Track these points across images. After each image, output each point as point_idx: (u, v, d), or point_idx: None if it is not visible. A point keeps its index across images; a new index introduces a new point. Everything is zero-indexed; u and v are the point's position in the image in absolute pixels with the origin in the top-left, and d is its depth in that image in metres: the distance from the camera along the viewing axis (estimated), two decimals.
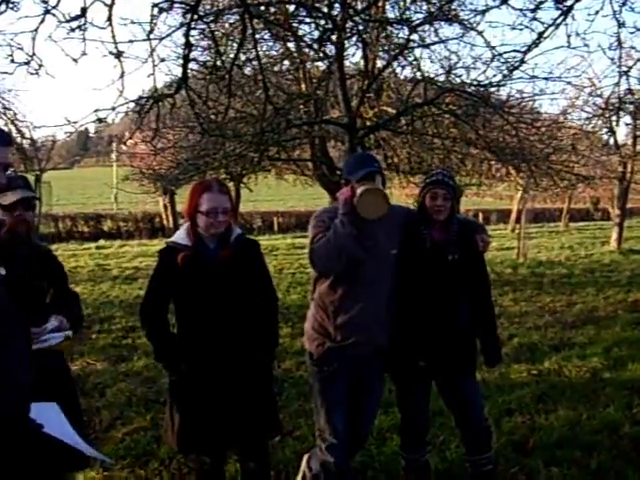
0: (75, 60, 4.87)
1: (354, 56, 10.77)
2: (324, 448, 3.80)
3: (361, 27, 7.49)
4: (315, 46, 8.38)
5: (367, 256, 3.64)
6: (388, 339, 3.82)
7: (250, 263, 3.70)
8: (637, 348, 7.65)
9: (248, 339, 3.63)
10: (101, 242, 22.32)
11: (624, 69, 7.21)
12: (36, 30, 4.70)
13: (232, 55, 6.80)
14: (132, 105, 6.34)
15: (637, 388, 6.23)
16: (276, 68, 9.79)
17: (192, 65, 7.27)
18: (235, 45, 7.39)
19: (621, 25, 5.47)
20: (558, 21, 5.56)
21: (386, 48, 8.78)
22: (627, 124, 18.07)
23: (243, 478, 3.96)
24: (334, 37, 7.33)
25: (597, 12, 5.43)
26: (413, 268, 3.80)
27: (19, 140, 15.57)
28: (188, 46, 5.71)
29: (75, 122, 5.55)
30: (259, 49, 7.55)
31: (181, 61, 5.81)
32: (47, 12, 4.49)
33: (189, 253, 3.54)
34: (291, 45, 9.21)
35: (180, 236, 3.65)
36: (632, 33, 5.51)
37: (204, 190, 3.55)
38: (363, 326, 3.69)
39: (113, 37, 4.84)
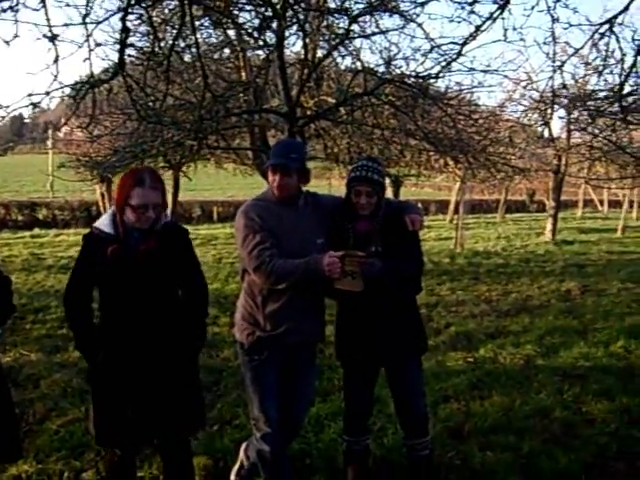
0: (7, 42, 4.71)
1: (294, 45, 10.76)
2: (259, 437, 3.81)
3: (301, 16, 7.45)
4: (255, 34, 8.30)
5: (297, 247, 3.65)
6: (320, 328, 3.90)
7: (177, 252, 3.58)
8: (569, 336, 7.88)
9: (172, 331, 3.55)
10: (36, 231, 21.75)
11: (558, 64, 7.36)
12: None
13: (171, 41, 6.69)
14: (68, 90, 6.16)
15: (568, 374, 6.44)
16: (216, 56, 9.68)
17: (130, 51, 7.15)
18: (174, 32, 7.28)
19: (555, 20, 5.55)
20: (495, 15, 5.62)
21: (326, 38, 8.77)
22: (561, 117, 18.49)
23: (165, 473, 3.91)
24: (274, 25, 7.30)
25: (533, 7, 5.49)
26: None
27: None
28: (125, 31, 5.59)
29: (7, 107, 5.36)
30: (199, 36, 7.45)
31: (118, 46, 5.69)
32: None
33: (118, 245, 3.40)
34: (231, 33, 9.12)
35: (104, 222, 3.49)
36: (565, 29, 5.57)
37: (136, 184, 3.38)
38: (292, 315, 3.71)
39: (47, 20, 4.69)
